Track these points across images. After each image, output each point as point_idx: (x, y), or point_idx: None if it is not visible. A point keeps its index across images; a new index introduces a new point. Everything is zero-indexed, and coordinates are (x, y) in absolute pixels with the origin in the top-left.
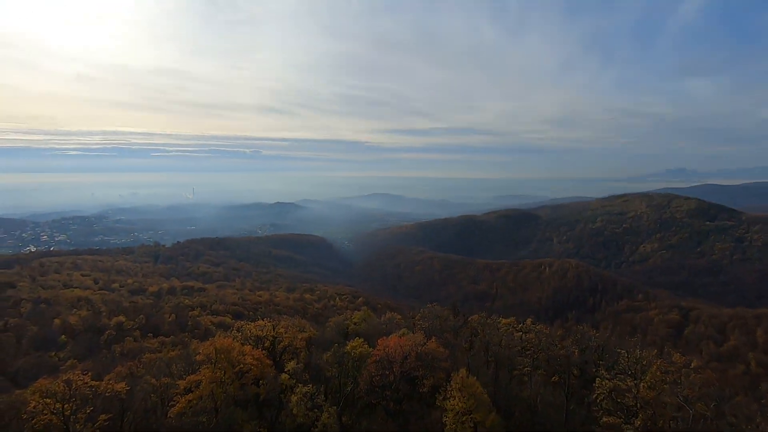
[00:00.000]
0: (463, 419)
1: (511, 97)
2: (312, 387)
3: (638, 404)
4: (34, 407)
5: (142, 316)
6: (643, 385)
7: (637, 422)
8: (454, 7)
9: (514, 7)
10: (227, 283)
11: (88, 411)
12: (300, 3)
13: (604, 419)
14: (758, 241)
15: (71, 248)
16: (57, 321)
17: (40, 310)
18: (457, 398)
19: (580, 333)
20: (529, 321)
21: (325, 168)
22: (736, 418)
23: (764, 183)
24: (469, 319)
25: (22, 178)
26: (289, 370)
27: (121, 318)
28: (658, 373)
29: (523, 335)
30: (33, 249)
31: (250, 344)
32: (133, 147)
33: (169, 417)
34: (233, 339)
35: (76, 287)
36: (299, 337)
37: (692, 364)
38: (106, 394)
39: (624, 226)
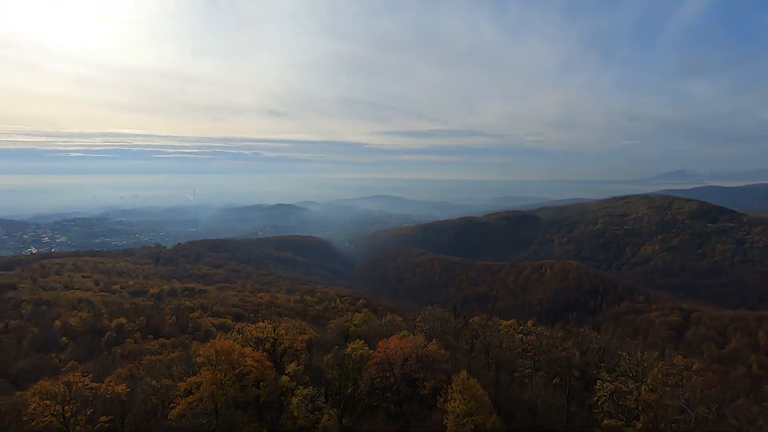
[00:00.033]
0: (464, 421)
1: (511, 99)
2: (313, 389)
3: (639, 407)
4: (34, 409)
5: (142, 317)
6: (645, 388)
7: (639, 425)
8: (454, 8)
9: (514, 8)
10: (228, 284)
11: (89, 413)
12: (300, 4)
13: (605, 422)
14: (760, 242)
15: (72, 250)
16: (58, 323)
17: (41, 312)
18: (457, 400)
19: (581, 335)
20: (529, 323)
21: (325, 170)
22: (737, 421)
23: (765, 185)
24: (470, 321)
25: (24, 179)
26: (289, 372)
27: (122, 320)
28: (660, 376)
29: (524, 337)
30: (34, 250)
31: (250, 346)
32: (134, 149)
33: (170, 419)
34: (234, 341)
35: (77, 289)
36: (300, 339)
37: (694, 367)
38: (107, 396)
39: (625, 227)
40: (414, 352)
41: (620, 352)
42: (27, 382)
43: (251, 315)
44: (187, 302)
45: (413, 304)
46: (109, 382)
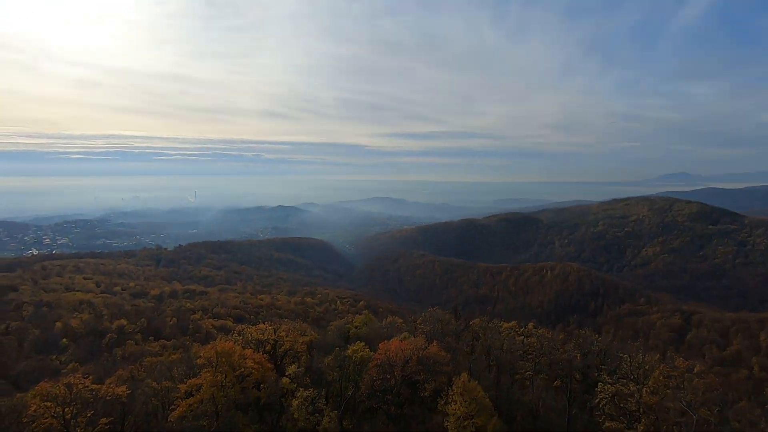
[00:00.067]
0: (465, 423)
1: (511, 101)
2: (313, 391)
3: (641, 409)
4: (34, 411)
5: (143, 319)
6: (646, 390)
7: (640, 427)
8: (454, 10)
9: (514, 10)
10: (229, 286)
11: (89, 414)
12: (300, 6)
13: (607, 424)
14: (761, 244)
15: (73, 251)
16: (59, 324)
17: (42, 314)
18: (458, 402)
19: (582, 337)
20: (530, 325)
21: (326, 171)
22: (739, 423)
23: (766, 186)
24: (471, 323)
25: (25, 181)
26: (290, 374)
27: (123, 321)
28: (661, 378)
29: (525, 339)
30: (35, 252)
31: (251, 348)
32: (135, 151)
33: (170, 421)
34: (234, 342)
35: (78, 290)
36: (300, 341)
37: (695, 369)
38: (107, 398)
39: (626, 229)
40: (415, 354)
41: (621, 355)
42: (28, 384)
43: (252, 317)
44: (188, 304)
45: (414, 305)
46: (110, 383)
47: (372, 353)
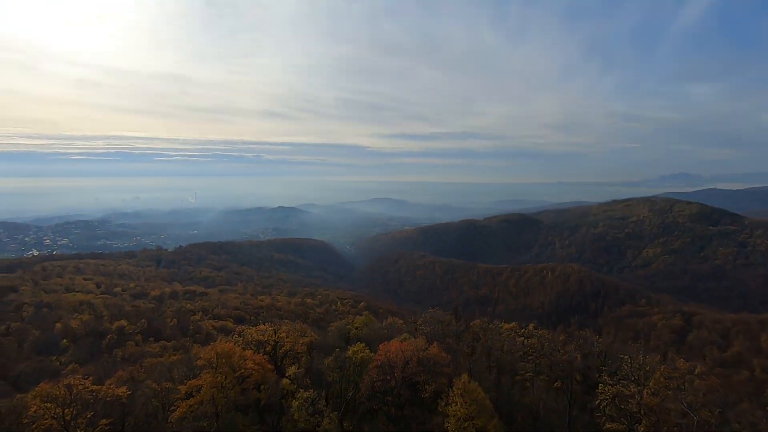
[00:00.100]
0: (465, 425)
1: (512, 102)
2: (313, 392)
3: (642, 410)
4: (34, 412)
5: (143, 320)
6: (647, 391)
7: (641, 429)
8: (454, 11)
9: (514, 11)
10: (229, 287)
11: (89, 416)
12: (301, 7)
13: (608, 425)
14: (761, 245)
15: (74, 252)
16: (59, 325)
17: (42, 314)
18: (458, 404)
19: (582, 338)
20: (531, 326)
21: (326, 172)
22: (740, 425)
23: (766, 187)
24: (471, 324)
25: (25, 182)
26: (290, 375)
27: (123, 322)
28: (662, 379)
29: (525, 340)
30: (36, 253)
31: (251, 349)
32: (136, 151)
33: (170, 422)
34: (234, 343)
35: (78, 291)
36: (301, 342)
37: (696, 370)
38: (107, 399)
39: (626, 230)
40: (415, 355)
41: (622, 356)
42: (28, 385)
43: (252, 318)
44: (188, 305)
45: (414, 306)
46: (110, 384)
47: (372, 354)
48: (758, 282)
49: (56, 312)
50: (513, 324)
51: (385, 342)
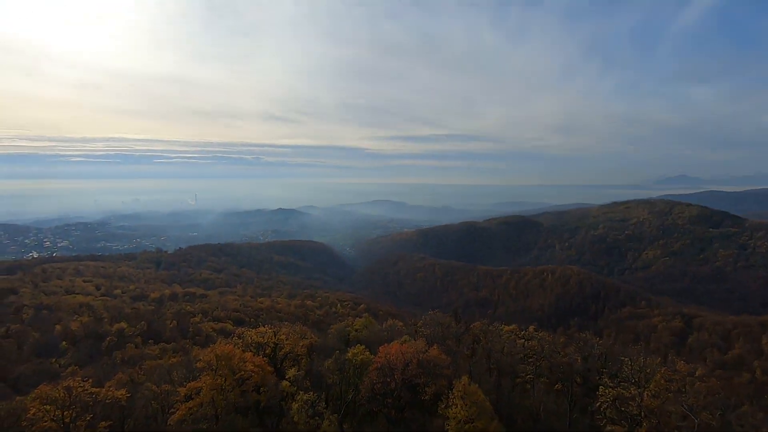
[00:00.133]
0: (466, 427)
1: (512, 103)
2: (313, 394)
3: (642, 413)
4: (34, 414)
5: (143, 322)
6: (647, 394)
7: (642, 431)
8: (454, 13)
9: (514, 12)
10: (229, 289)
11: (89, 418)
12: (300, 8)
13: (608, 428)
14: (762, 247)
15: (74, 254)
16: (58, 327)
17: (42, 317)
18: (459, 406)
19: (582, 340)
20: (531, 328)
21: (326, 174)
22: (741, 427)
23: (767, 189)
24: (471, 326)
25: (25, 184)
26: (290, 378)
27: (123, 324)
28: (663, 382)
29: (526, 342)
30: (35, 255)
31: (251, 351)
32: (136, 154)
33: (170, 424)
34: (234, 346)
35: (78, 293)
36: (300, 344)
37: (697, 373)
38: (107, 401)
39: (626, 232)
40: (415, 357)
41: (622, 358)
42: (27, 387)
43: (252, 320)
44: (188, 307)
45: (414, 309)
46: (110, 387)
47: (372, 356)
48: (759, 284)
49: (56, 314)
50: (513, 326)
51: (385, 344)
